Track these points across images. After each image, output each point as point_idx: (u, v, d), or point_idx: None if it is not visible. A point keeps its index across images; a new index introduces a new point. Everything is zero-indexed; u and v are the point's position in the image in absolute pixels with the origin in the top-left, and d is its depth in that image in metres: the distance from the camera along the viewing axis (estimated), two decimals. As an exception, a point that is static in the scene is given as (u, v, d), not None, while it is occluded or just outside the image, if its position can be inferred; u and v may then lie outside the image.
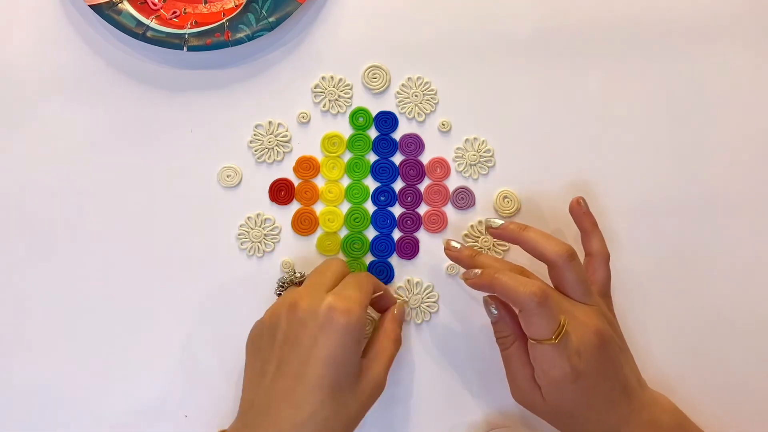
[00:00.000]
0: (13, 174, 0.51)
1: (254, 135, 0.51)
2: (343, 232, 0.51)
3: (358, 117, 0.51)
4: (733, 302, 0.51)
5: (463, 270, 0.46)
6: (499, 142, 0.51)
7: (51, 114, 0.51)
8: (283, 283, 0.48)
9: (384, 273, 0.51)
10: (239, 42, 0.49)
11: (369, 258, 0.51)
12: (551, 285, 0.45)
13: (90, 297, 0.51)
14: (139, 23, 0.49)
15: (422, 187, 0.51)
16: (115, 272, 0.51)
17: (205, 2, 0.50)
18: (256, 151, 0.51)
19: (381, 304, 0.49)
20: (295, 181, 0.51)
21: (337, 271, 0.45)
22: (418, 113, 0.51)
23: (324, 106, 0.51)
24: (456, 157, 0.51)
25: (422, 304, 0.51)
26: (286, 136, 0.51)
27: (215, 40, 0.49)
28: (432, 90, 0.51)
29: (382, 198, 0.51)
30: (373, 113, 0.51)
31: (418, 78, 0.51)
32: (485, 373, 0.50)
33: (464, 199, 0.51)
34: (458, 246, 0.47)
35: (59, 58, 0.51)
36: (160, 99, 0.51)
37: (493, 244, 0.51)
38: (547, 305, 0.41)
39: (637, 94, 0.51)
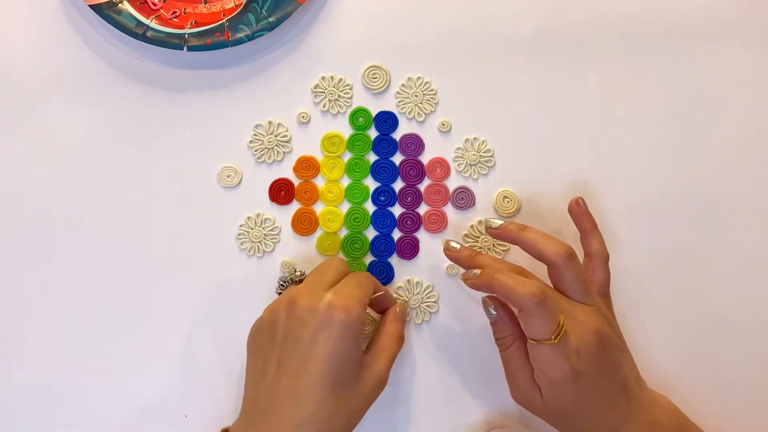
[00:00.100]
0: (13, 174, 0.51)
1: (254, 135, 0.51)
2: (343, 232, 0.51)
3: (358, 117, 0.51)
4: (733, 302, 0.51)
5: (462, 270, 0.46)
6: (499, 142, 0.51)
7: (51, 114, 0.51)
8: (284, 281, 0.48)
9: (384, 273, 0.51)
10: (239, 42, 0.49)
11: (369, 258, 0.51)
12: (551, 285, 0.45)
13: (90, 297, 0.51)
14: (139, 23, 0.49)
15: (422, 187, 0.51)
16: (115, 272, 0.51)
17: (205, 2, 0.50)
18: (256, 151, 0.51)
19: (381, 306, 0.49)
20: (295, 181, 0.51)
21: (338, 270, 0.45)
22: (418, 113, 0.51)
23: (324, 106, 0.51)
24: (456, 157, 0.51)
25: (422, 304, 0.51)
26: (286, 136, 0.51)
27: (215, 40, 0.49)
28: (432, 90, 0.51)
29: (382, 198, 0.51)
30: (373, 113, 0.51)
31: (418, 78, 0.51)
32: (485, 373, 0.50)
33: (464, 199, 0.51)
34: (457, 246, 0.47)
35: (59, 58, 0.51)
36: (160, 99, 0.51)
37: (493, 244, 0.51)
38: (546, 305, 0.41)
39: (637, 94, 0.51)
